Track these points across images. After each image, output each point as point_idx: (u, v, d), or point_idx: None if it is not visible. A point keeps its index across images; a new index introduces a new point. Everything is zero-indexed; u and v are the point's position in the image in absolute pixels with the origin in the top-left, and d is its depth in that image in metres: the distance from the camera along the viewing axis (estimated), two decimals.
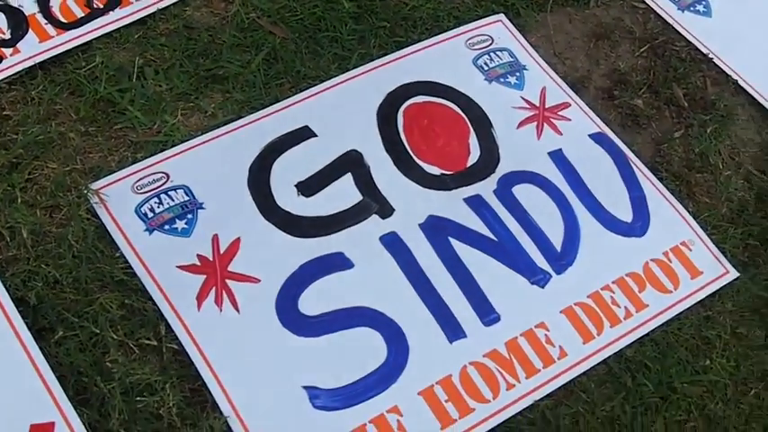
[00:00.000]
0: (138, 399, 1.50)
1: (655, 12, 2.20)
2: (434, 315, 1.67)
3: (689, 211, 1.89)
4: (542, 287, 1.74)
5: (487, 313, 1.69)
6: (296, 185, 1.78)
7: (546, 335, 1.69)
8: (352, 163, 1.83)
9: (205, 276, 1.63)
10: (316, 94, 1.92)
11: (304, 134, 1.86)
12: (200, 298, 1.60)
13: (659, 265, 1.81)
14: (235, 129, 1.84)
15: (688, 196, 1.92)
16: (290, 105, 1.90)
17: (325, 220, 1.75)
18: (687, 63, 2.12)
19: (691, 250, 1.84)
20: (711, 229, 1.87)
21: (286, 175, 1.79)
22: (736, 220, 1.90)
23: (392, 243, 1.74)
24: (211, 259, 1.65)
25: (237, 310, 1.60)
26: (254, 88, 1.91)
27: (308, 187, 1.79)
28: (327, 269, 1.68)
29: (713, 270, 1.82)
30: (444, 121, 1.94)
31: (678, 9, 2.20)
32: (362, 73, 1.97)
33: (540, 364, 1.66)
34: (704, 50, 2.13)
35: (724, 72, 2.11)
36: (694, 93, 2.07)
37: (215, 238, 1.67)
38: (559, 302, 1.73)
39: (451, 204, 1.81)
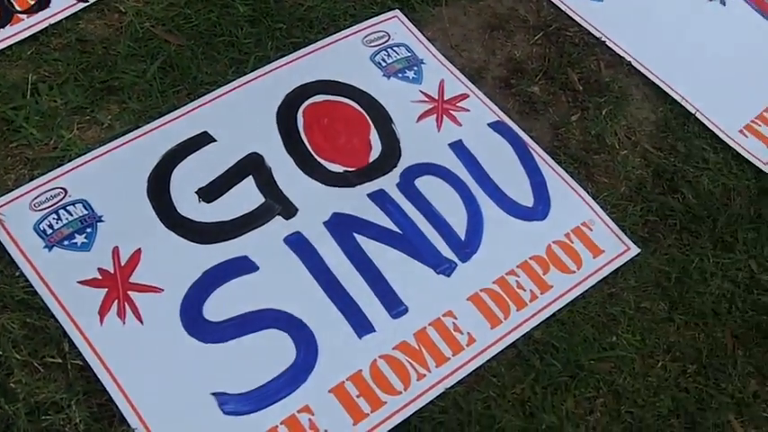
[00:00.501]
0: (44, 417, 1.48)
1: None
2: (342, 312, 1.68)
3: (588, 192, 1.92)
4: (448, 276, 1.76)
5: (395, 306, 1.70)
6: (196, 192, 1.78)
7: (454, 323, 1.71)
8: (252, 166, 1.83)
9: (106, 290, 1.61)
10: (213, 99, 1.92)
11: (203, 140, 1.85)
12: (103, 312, 1.59)
13: (562, 246, 1.84)
14: (132, 139, 1.82)
15: (587, 178, 1.95)
16: (187, 112, 1.89)
17: (227, 224, 1.74)
18: (581, 48, 2.15)
19: (591, 230, 1.87)
20: (611, 209, 1.91)
21: (186, 182, 1.78)
22: (634, 197, 1.94)
23: (297, 243, 1.74)
24: (112, 272, 1.63)
25: (141, 321, 1.59)
26: (150, 97, 1.90)
27: (209, 193, 1.78)
28: (231, 274, 1.68)
29: (614, 248, 1.85)
30: (344, 118, 1.95)
31: None
32: (260, 76, 1.97)
33: (450, 352, 1.67)
34: (597, 34, 2.17)
35: (617, 54, 2.15)
36: (589, 76, 2.10)
37: (115, 251, 1.66)
38: (466, 290, 1.75)
39: (355, 201, 1.82)
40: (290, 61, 2.01)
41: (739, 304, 1.83)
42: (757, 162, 2.01)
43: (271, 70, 1.98)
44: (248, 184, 1.81)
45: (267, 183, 1.81)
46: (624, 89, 2.10)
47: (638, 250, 1.86)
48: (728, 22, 2.27)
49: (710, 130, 2.05)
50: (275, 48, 2.04)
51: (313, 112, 1.94)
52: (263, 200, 1.79)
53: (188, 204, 1.75)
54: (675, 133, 2.04)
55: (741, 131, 2.06)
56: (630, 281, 1.83)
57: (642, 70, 2.13)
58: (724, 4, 2.30)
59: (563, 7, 2.22)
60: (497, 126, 1.99)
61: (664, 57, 2.15)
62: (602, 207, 1.91)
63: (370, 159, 1.89)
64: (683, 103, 2.07)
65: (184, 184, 1.78)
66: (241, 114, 1.90)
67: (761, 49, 2.22)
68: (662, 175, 1.98)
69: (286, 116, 1.92)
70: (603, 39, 2.16)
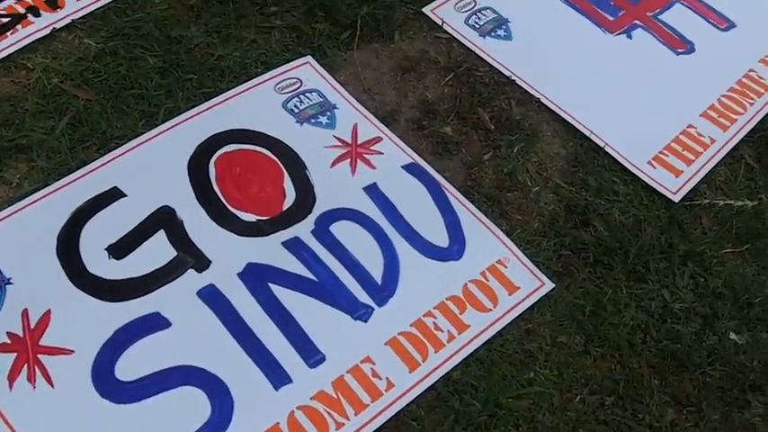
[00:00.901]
0: None
1: (458, 41, 2.26)
2: (258, 364, 1.67)
3: (502, 230, 1.94)
4: (365, 321, 1.76)
5: (312, 355, 1.70)
6: (107, 249, 1.76)
7: (372, 368, 1.71)
8: (164, 219, 1.82)
9: (16, 354, 1.59)
10: (123, 153, 1.91)
11: (113, 195, 1.84)
12: (12, 377, 1.56)
13: (478, 285, 1.85)
14: (41, 197, 1.81)
15: (501, 215, 1.97)
16: (97, 168, 1.88)
17: (138, 281, 1.73)
18: (491, 87, 2.18)
19: (506, 267, 1.88)
20: (525, 245, 1.93)
21: (96, 239, 1.77)
22: (548, 232, 1.96)
23: (210, 296, 1.73)
24: (22, 336, 1.61)
25: (52, 384, 1.57)
26: (59, 154, 1.88)
27: (120, 249, 1.76)
28: (143, 331, 1.66)
29: (529, 284, 1.87)
30: (257, 167, 1.95)
31: (480, 36, 2.27)
32: (171, 127, 1.96)
33: (369, 398, 1.67)
34: (507, 73, 2.20)
35: (527, 92, 2.18)
36: (500, 115, 2.13)
37: (25, 314, 1.64)
38: (383, 334, 1.75)
39: (270, 250, 1.82)
40: (201, 111, 2.01)
41: (654, 334, 1.86)
42: (666, 192, 2.05)
43: (181, 121, 1.98)
44: (160, 238, 1.80)
45: (179, 236, 1.80)
46: (535, 126, 2.13)
47: (553, 285, 1.88)
48: (635, 55, 2.31)
49: (620, 163, 2.09)
50: (186, 98, 2.04)
51: (225, 161, 1.93)
52: (174, 254, 1.78)
53: (98, 262, 1.74)
54: (586, 167, 2.07)
55: (650, 163, 2.09)
56: (546, 316, 1.85)
57: (551, 106, 2.16)
58: (630, 38, 2.35)
59: (472, 48, 2.25)
60: (411, 168, 2.00)
61: (572, 92, 2.18)
62: (516, 244, 1.92)
63: (284, 207, 1.89)
64: (593, 137, 2.11)
65: (94, 242, 1.76)
66: (152, 168, 1.89)
67: (667, 81, 2.26)
68: (574, 209, 2.00)
69: (197, 167, 1.91)
70: (513, 77, 2.19)
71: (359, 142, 2.03)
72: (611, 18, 2.37)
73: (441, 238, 1.90)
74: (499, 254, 1.91)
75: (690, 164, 2.10)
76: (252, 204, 1.88)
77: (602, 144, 2.10)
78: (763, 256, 2.00)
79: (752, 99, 2.25)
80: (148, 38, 2.13)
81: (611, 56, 2.30)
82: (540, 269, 1.90)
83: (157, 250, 1.77)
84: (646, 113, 2.18)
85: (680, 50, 2.33)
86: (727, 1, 2.47)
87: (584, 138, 2.12)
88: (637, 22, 2.38)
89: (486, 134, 2.11)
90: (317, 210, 1.90)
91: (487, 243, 1.92)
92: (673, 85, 2.25)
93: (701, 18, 2.43)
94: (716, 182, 2.11)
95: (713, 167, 2.12)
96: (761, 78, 2.31)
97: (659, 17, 2.40)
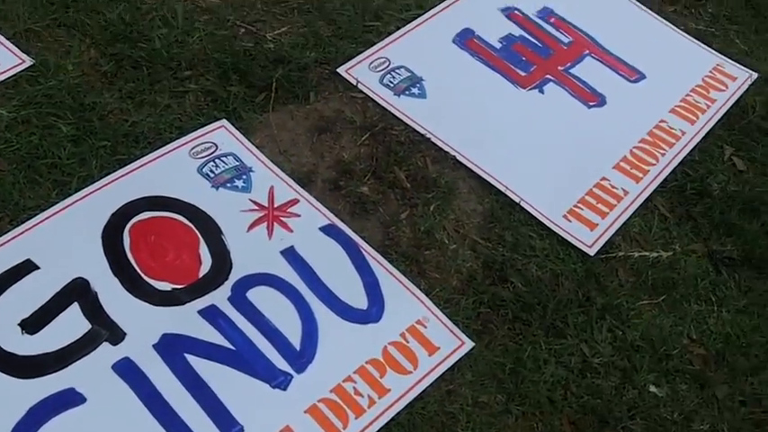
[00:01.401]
0: None
1: (373, 100, 2.28)
2: None
3: (421, 289, 1.94)
4: (284, 389, 1.75)
5: (230, 426, 1.68)
6: (19, 324, 1.72)
7: None
8: (77, 292, 1.79)
9: None
10: (36, 224, 1.88)
11: (26, 268, 1.81)
12: None
13: (397, 347, 1.85)
14: None
15: (419, 274, 1.97)
16: (9, 240, 1.85)
17: (52, 356, 1.70)
18: (407, 146, 2.20)
19: (426, 327, 1.89)
20: (444, 304, 1.93)
21: (9, 314, 1.74)
22: (466, 290, 1.97)
23: (125, 369, 1.70)
24: None
25: None
26: None
27: (33, 324, 1.74)
28: (58, 408, 1.63)
29: (449, 343, 1.87)
30: (172, 234, 1.93)
31: (395, 95, 2.29)
32: (84, 196, 1.94)
33: None
34: (422, 131, 2.22)
35: (442, 150, 2.20)
36: (416, 173, 2.14)
37: None
38: (303, 402, 1.74)
39: (186, 319, 1.80)
40: (115, 179, 2.00)
41: (574, 389, 1.87)
42: (582, 246, 2.08)
43: (95, 190, 1.97)
44: (73, 311, 1.77)
45: (93, 308, 1.77)
46: (451, 183, 2.14)
47: (473, 344, 1.88)
48: (548, 109, 2.35)
49: (535, 218, 2.11)
50: (100, 166, 2.02)
51: (139, 230, 1.92)
52: (89, 327, 1.75)
53: (10, 338, 1.70)
54: (502, 223, 2.10)
55: (565, 216, 2.12)
56: (467, 375, 1.85)
57: (467, 163, 2.18)
58: (543, 93, 2.39)
59: (387, 107, 2.27)
60: (329, 229, 2.00)
61: (487, 148, 2.21)
62: (435, 303, 1.93)
63: (201, 274, 1.88)
64: (508, 192, 2.13)
65: (7, 317, 1.73)
66: (65, 239, 1.86)
67: (580, 134, 2.31)
68: (491, 265, 2.02)
69: (112, 237, 1.89)
70: (428, 135, 2.22)
71: (275, 205, 2.02)
72: (523, 73, 2.41)
73: (359, 300, 1.90)
74: (418, 314, 1.91)
75: (604, 216, 2.14)
76: (167, 273, 1.86)
77: (517, 199, 2.12)
78: (680, 306, 2.03)
79: (663, 149, 2.30)
80: (61, 105, 2.11)
81: (524, 111, 2.33)
82: (459, 328, 1.90)
83: (71, 324, 1.74)
84: (560, 167, 2.21)
85: (592, 103, 2.38)
86: (636, 53, 2.53)
87: (500, 193, 2.14)
88: (548, 76, 2.42)
89: (402, 193, 2.12)
90: (234, 276, 1.89)
91: (406, 303, 1.92)
92: (586, 139, 2.30)
93: (612, 70, 2.48)
94: (630, 234, 2.14)
95: (627, 219, 2.16)
96: (671, 128, 2.36)
97: (570, 71, 2.45)
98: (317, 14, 2.45)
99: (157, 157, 2.06)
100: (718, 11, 2.71)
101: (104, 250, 1.87)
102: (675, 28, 2.63)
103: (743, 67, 2.54)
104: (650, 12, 2.65)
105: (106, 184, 1.98)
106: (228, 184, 2.04)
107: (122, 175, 2.00)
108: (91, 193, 1.96)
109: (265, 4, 2.45)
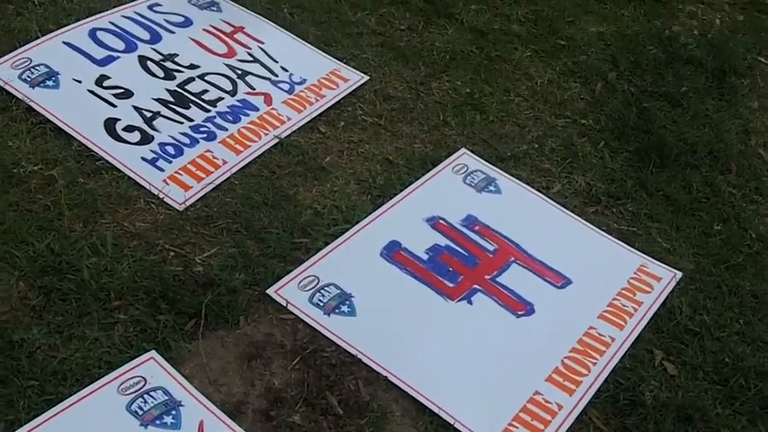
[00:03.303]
0: None
1: (303, 321, 2.29)
2: None
3: None
4: None
5: None
6: None
7: None
8: None
9: None
10: None
11: None
12: None
13: None
14: None
15: None
16: None
17: None
18: (338, 368, 2.20)
19: None
20: None
21: None
22: None
23: None
24: None
25: None
26: None
27: None
28: None
29: None
30: None
31: (325, 314, 2.30)
32: None
33: None
34: (353, 351, 2.23)
35: (374, 370, 2.20)
36: (348, 397, 2.14)
37: None
38: None
39: None
40: (43, 422, 1.97)
41: None
42: None
43: None
44: None
45: None
46: (384, 406, 2.14)
47: None
48: (477, 321, 2.37)
49: None
50: (27, 407, 2.01)
51: None
52: None
53: None
54: None
55: None
56: None
57: (399, 384, 2.18)
58: (471, 304, 2.42)
59: (318, 327, 2.28)
60: None
61: (418, 366, 2.22)
62: None
63: None
64: (441, 413, 2.13)
65: None
66: None
67: (510, 346, 2.33)
68: None
69: None
70: (359, 355, 2.22)
71: None
72: (451, 285, 2.45)
73: None
74: None
75: None
76: None
77: (451, 421, 2.12)
78: None
79: (594, 358, 2.33)
80: None
81: (453, 324, 2.36)
82: None
83: None
84: (492, 383, 2.22)
85: (520, 312, 2.41)
86: (561, 257, 2.58)
87: (434, 414, 2.14)
88: (476, 286, 2.46)
89: (335, 420, 2.11)
90: None
91: None
92: (516, 350, 2.32)
93: (538, 277, 2.53)
94: None
95: None
96: (601, 335, 2.39)
97: (497, 279, 2.49)
98: (245, 234, 2.48)
99: (85, 396, 2.05)
100: (638, 209, 2.78)
101: None
102: (597, 229, 2.69)
103: (666, 267, 2.60)
104: (571, 214, 2.71)
105: (34, 428, 1.94)
106: (158, 421, 2.02)
107: (50, 418, 1.97)
108: None
109: (194, 226, 2.48)
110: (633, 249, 2.66)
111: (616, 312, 2.46)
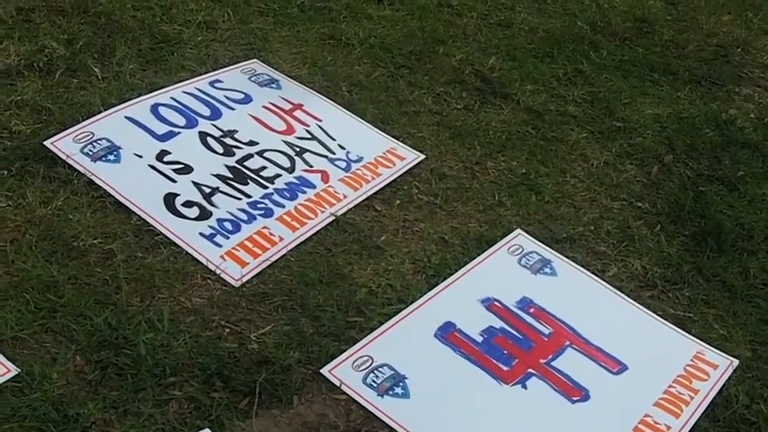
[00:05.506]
0: None
1: (356, 401, 2.28)
2: None
3: None
4: None
5: None
6: None
7: None
8: None
9: None
10: None
11: None
12: None
13: None
14: None
15: None
16: None
17: None
18: None
19: None
20: None
21: None
22: None
23: None
24: None
25: None
26: None
27: None
28: None
29: None
30: None
31: (378, 395, 2.30)
32: None
33: None
34: None
35: None
36: None
37: None
38: None
39: None
40: None
41: None
42: None
43: None
44: None
45: None
46: None
47: None
48: (531, 406, 2.35)
49: None
50: None
51: None
52: None
53: None
54: None
55: None
56: None
57: None
58: (526, 388, 2.40)
59: (371, 408, 2.27)
60: None
61: None
62: None
63: None
64: None
65: None
66: None
67: (565, 431, 2.29)
68: None
69: None
70: None
71: None
72: (506, 368, 2.43)
73: None
74: None
75: None
76: None
77: None
78: None
79: None
80: (45, 418, 2.11)
81: (508, 409, 2.34)
82: None
83: None
84: None
85: (575, 398, 2.39)
86: (616, 342, 2.56)
87: None
88: (531, 370, 2.44)
89: None
90: None
91: None
92: None
93: (593, 362, 2.50)
94: None
95: None
96: (656, 423, 2.36)
97: (552, 363, 2.47)
98: (300, 311, 2.49)
99: None
100: (695, 295, 2.75)
101: None
102: (653, 314, 2.66)
103: (723, 354, 2.56)
104: (627, 298, 2.69)
105: None
106: None
107: None
108: None
109: (250, 303, 2.50)
110: (689, 336, 2.63)
111: (672, 400, 2.42)
